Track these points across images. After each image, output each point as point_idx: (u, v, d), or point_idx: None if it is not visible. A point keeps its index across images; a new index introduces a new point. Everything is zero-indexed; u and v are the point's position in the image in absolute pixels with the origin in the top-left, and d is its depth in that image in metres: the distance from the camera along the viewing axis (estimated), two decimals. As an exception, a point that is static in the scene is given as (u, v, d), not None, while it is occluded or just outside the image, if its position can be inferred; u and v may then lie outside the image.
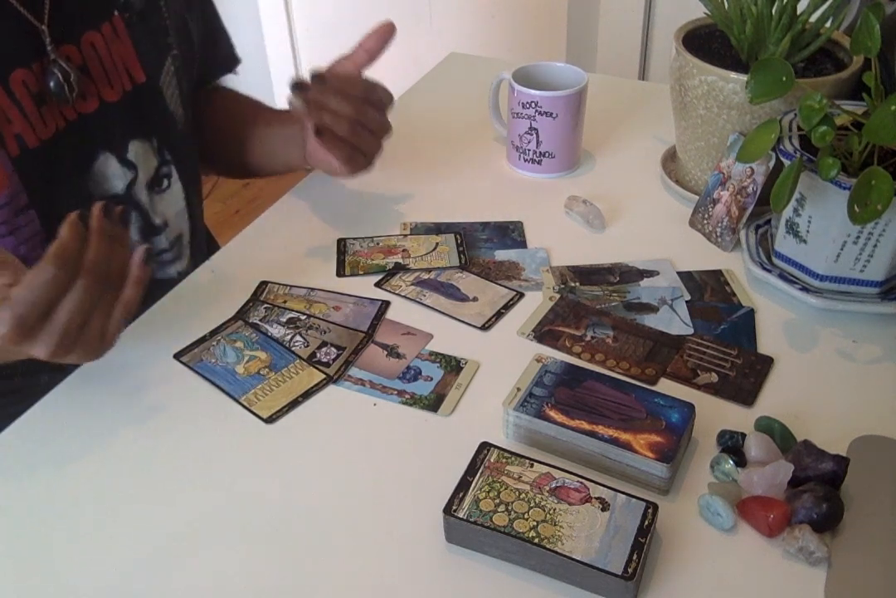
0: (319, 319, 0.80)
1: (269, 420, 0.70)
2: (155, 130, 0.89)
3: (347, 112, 0.79)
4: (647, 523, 0.57)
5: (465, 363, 0.75)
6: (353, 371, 0.75)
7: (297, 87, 0.78)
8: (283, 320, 0.80)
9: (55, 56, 0.77)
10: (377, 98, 0.82)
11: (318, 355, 0.76)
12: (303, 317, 0.80)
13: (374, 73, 0.84)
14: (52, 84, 0.76)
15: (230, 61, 1.06)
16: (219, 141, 1.03)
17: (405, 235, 0.91)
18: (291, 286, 0.84)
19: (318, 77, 0.78)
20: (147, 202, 0.90)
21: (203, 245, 1.04)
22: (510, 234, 0.91)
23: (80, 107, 0.81)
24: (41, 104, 0.77)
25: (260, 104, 1.05)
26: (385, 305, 0.82)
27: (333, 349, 0.77)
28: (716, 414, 0.69)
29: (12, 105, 0.75)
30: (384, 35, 0.82)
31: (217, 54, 1.03)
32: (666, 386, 0.72)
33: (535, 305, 0.81)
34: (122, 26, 0.83)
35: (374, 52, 0.82)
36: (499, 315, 0.80)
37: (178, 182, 0.94)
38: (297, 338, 0.78)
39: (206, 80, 1.03)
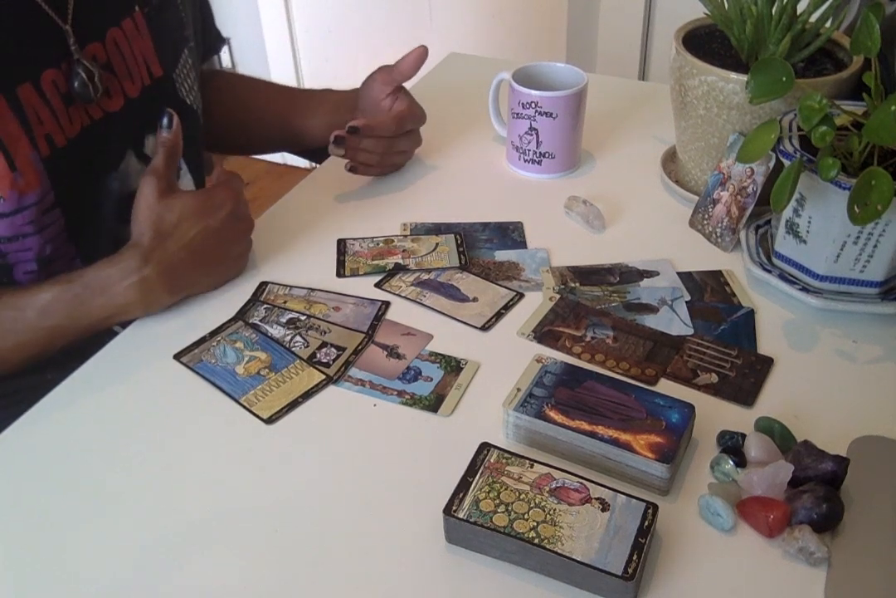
0: (319, 319, 0.80)
1: (269, 421, 0.70)
2: None
3: (379, 150, 0.93)
4: (647, 523, 0.57)
5: (465, 364, 0.75)
6: (353, 372, 0.75)
7: (338, 140, 0.89)
8: (283, 320, 0.80)
9: (78, 56, 0.77)
10: (408, 129, 0.94)
11: (318, 355, 0.76)
12: (303, 317, 0.80)
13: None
14: (76, 84, 0.77)
15: (219, 41, 1.08)
16: (225, 121, 1.06)
17: (405, 236, 0.91)
18: (291, 287, 0.84)
19: (353, 129, 0.89)
20: None
21: None
22: (510, 234, 0.91)
23: (106, 105, 0.81)
24: (69, 103, 0.78)
25: (281, 86, 1.11)
26: (385, 305, 0.82)
27: (333, 350, 0.77)
28: (716, 414, 0.69)
29: (43, 105, 0.75)
30: (419, 59, 0.93)
31: (208, 35, 1.04)
32: (666, 386, 0.72)
33: (535, 305, 0.81)
34: (142, 21, 0.84)
35: (408, 74, 0.94)
36: (499, 316, 0.80)
37: (187, 174, 0.95)
38: (297, 338, 0.78)
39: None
